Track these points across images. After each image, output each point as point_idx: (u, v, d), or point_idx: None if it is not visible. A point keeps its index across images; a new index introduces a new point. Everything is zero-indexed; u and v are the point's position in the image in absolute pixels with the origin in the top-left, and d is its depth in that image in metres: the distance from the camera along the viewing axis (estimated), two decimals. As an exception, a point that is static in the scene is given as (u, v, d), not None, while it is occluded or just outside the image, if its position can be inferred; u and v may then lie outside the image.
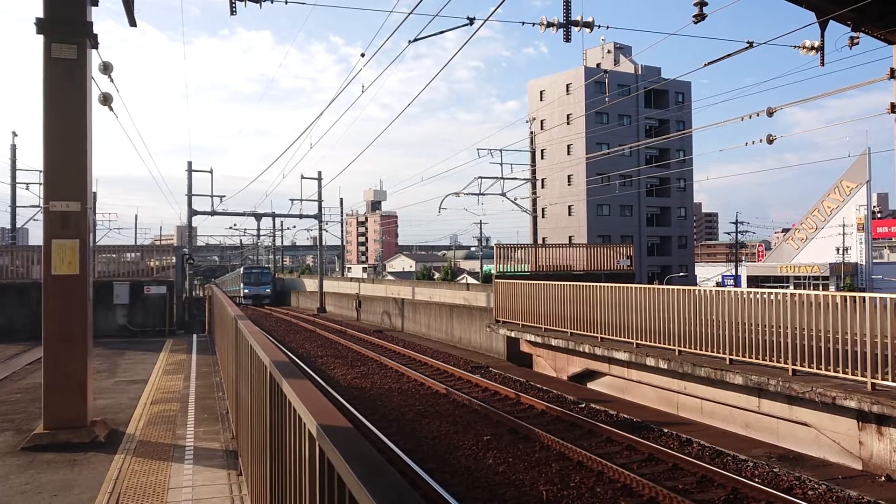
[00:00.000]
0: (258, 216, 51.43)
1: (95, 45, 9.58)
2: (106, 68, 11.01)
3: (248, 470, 6.39)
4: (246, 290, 67.86)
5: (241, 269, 70.38)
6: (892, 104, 13.73)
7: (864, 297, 10.13)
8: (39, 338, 9.42)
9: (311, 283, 60.26)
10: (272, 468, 4.17)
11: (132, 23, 11.02)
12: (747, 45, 14.49)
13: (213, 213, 45.04)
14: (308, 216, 51.91)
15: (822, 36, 13.69)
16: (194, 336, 25.03)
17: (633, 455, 10.86)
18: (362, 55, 14.11)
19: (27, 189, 40.96)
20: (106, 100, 11.45)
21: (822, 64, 13.74)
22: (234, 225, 73.25)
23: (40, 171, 37.94)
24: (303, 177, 51.72)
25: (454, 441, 11.74)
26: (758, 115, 16.58)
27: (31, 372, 15.53)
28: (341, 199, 69.61)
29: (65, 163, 9.26)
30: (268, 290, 67.93)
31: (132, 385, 13.86)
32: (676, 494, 8.71)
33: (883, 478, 9.55)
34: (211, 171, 44.33)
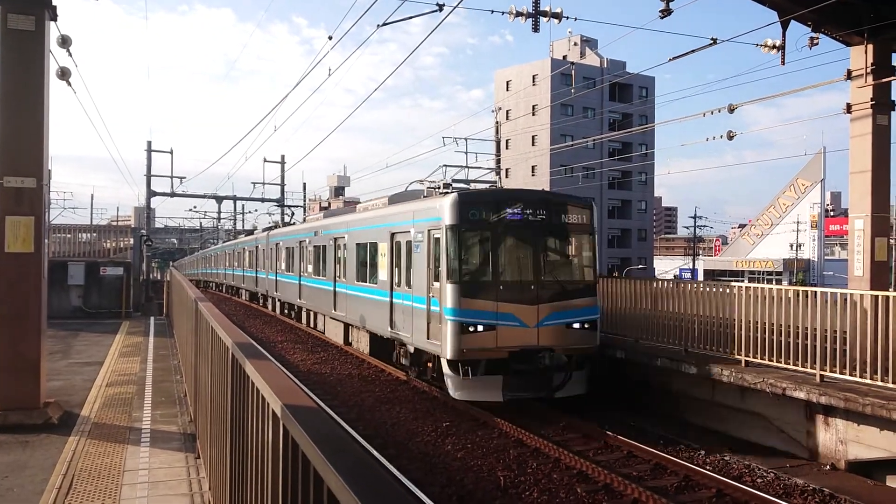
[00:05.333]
0: (219, 199, 50.64)
1: (54, 18, 9.34)
2: (64, 42, 10.72)
3: (206, 452, 6.34)
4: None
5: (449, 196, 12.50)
6: (848, 105, 14.08)
7: (815, 292, 10.43)
8: (-9, 317, 9.19)
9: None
10: (232, 450, 4.15)
11: (93, -4, 10.74)
12: (711, 41, 14.73)
13: (172, 194, 44.20)
14: (270, 200, 51.30)
15: (784, 35, 13.97)
16: (152, 319, 24.66)
17: (589, 443, 11.03)
18: (329, 38, 13.98)
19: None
20: (64, 74, 11.17)
21: (783, 63, 14.03)
22: (195, 207, 64.40)
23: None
24: (265, 160, 51.04)
25: (413, 427, 11.79)
26: (719, 111, 16.86)
27: (-19, 352, 15.14)
28: (304, 184, 67.79)
29: (20, 137, 9.03)
30: (593, 318, 12.57)
31: (87, 367, 13.61)
32: (630, 482, 8.89)
33: (828, 466, 9.87)
34: (171, 152, 43.52)
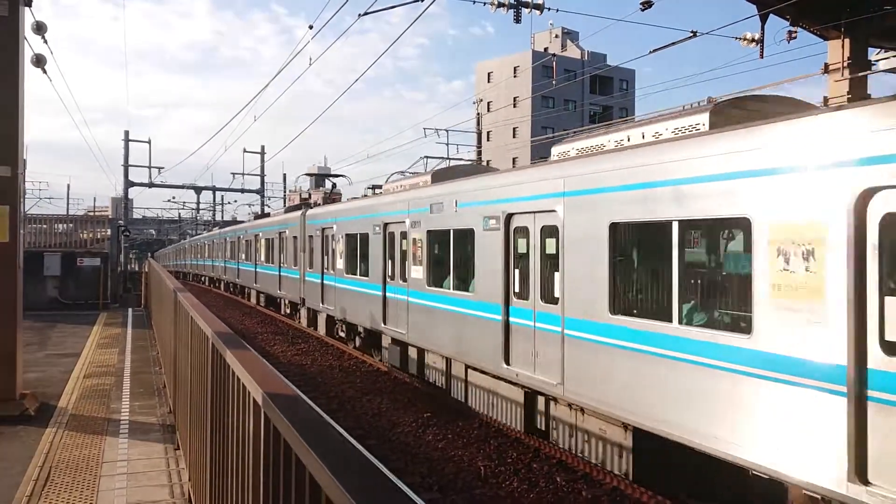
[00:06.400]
0: (198, 189, 50.31)
1: (28, 3, 9.19)
2: (39, 28, 10.56)
3: (186, 443, 6.31)
4: None
5: None
6: (825, 98, 14.23)
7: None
8: (-35, 307, 9.06)
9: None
10: (213, 439, 4.14)
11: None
12: (691, 34, 14.81)
13: (150, 184, 43.84)
14: (250, 191, 51.02)
15: (763, 29, 14.09)
16: (130, 310, 24.45)
17: (569, 432, 11.07)
18: (310, 27, 13.90)
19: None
20: (39, 61, 11.00)
21: (762, 56, 14.16)
22: (173, 198, 63.58)
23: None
24: (245, 151, 50.75)
25: (394, 418, 11.81)
26: (699, 104, 16.95)
27: (-45, 344, 14.93)
28: (284, 175, 67.24)
29: (-5, 126, 8.88)
30: None
31: (64, 358, 13.47)
32: (609, 472, 8.96)
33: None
34: (149, 142, 43.13)
